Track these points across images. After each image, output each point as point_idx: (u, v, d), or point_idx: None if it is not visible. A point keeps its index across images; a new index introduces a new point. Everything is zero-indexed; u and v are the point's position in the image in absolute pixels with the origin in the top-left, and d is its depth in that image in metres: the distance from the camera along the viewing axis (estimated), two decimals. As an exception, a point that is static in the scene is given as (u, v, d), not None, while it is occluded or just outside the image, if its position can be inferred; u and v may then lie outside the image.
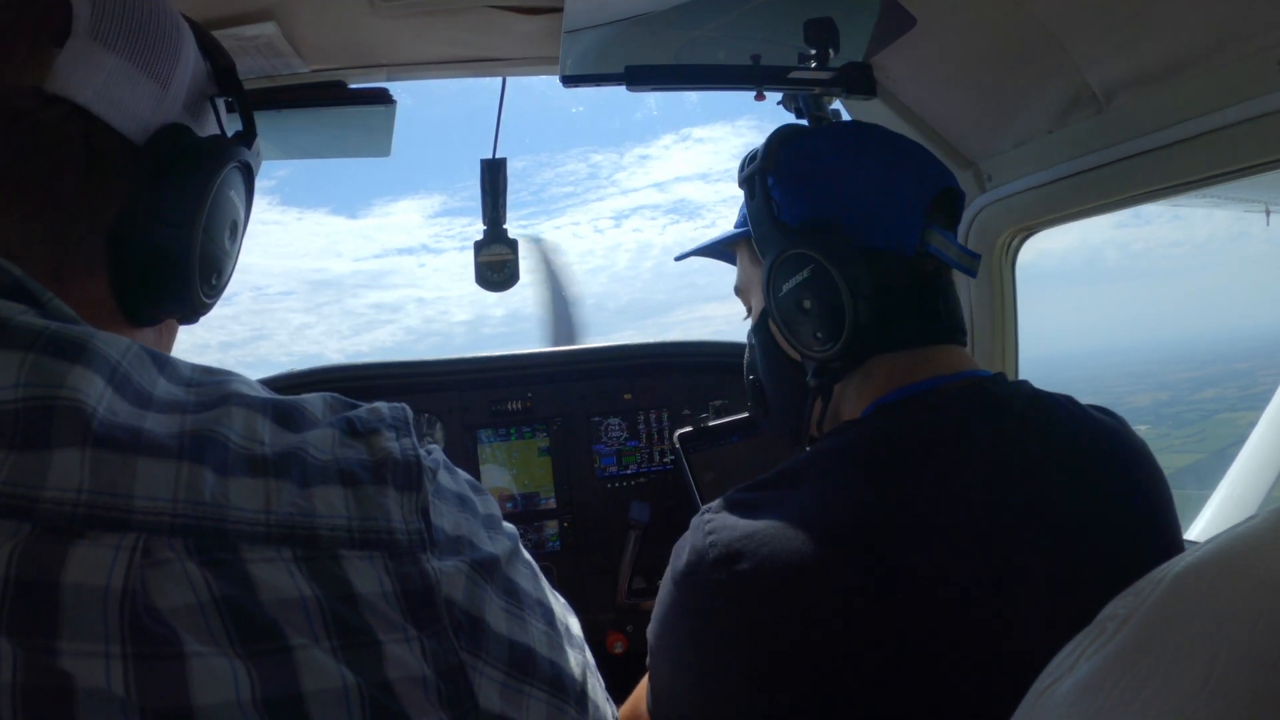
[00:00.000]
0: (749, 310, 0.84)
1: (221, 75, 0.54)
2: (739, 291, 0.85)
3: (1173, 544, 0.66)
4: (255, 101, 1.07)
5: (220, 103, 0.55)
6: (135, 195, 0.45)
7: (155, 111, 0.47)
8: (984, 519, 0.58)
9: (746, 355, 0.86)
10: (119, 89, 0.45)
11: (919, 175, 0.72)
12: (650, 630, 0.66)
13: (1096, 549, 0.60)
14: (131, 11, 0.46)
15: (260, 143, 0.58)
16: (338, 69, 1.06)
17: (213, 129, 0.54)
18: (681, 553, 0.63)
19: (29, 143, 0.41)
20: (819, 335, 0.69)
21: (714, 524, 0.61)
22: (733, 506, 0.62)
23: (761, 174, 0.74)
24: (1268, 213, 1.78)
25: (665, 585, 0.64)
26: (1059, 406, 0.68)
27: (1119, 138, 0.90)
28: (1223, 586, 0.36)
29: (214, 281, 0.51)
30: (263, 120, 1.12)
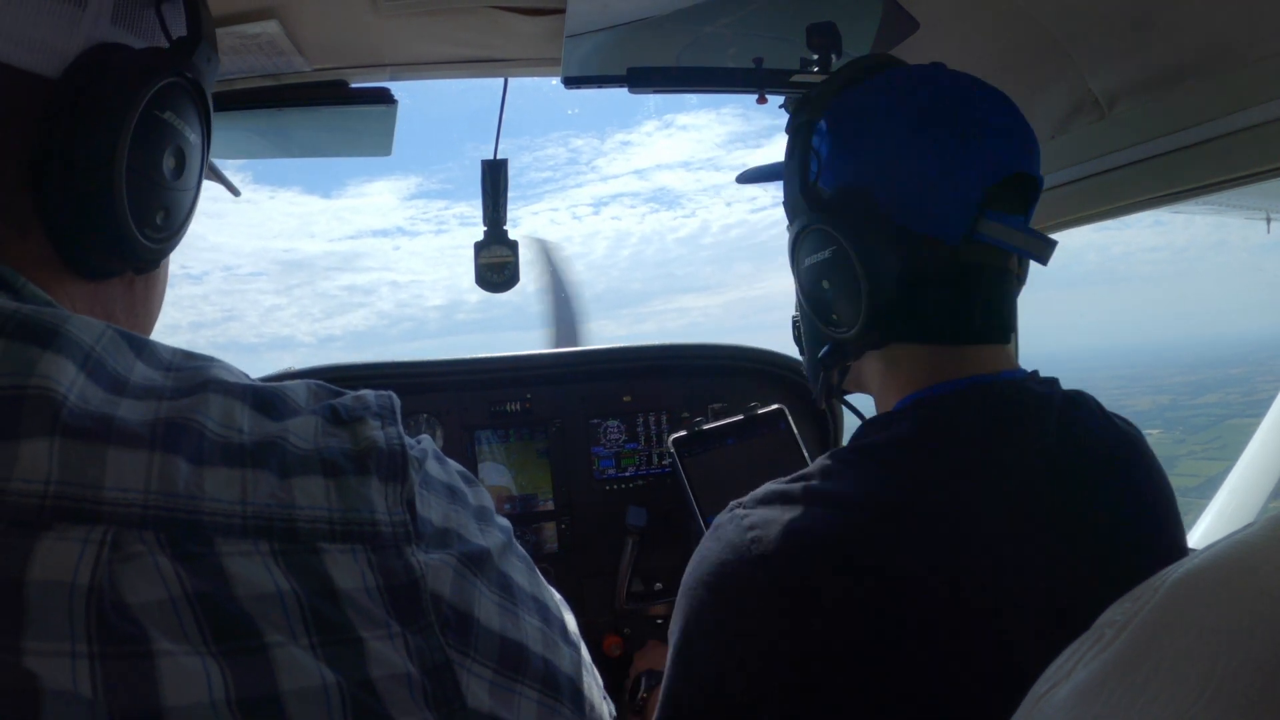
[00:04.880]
0: None
1: None
2: None
3: (1176, 555, 0.66)
4: (257, 100, 1.08)
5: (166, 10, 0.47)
6: (49, 136, 0.40)
7: (71, 36, 0.40)
8: (1001, 523, 0.57)
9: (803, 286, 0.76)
10: (15, 22, 0.39)
11: (985, 155, 0.62)
12: (675, 645, 0.61)
13: (1107, 561, 0.59)
14: None
15: (211, 51, 0.49)
16: (340, 68, 1.06)
17: (159, 39, 0.46)
18: (712, 553, 0.59)
19: None
20: (835, 318, 0.66)
21: (753, 518, 0.58)
22: (770, 501, 0.60)
23: (808, 125, 0.67)
24: (1268, 220, 1.78)
25: (694, 591, 0.60)
26: (1089, 413, 0.66)
27: (1121, 144, 0.90)
28: (1221, 594, 0.36)
29: (159, 221, 0.45)
30: (264, 119, 1.13)
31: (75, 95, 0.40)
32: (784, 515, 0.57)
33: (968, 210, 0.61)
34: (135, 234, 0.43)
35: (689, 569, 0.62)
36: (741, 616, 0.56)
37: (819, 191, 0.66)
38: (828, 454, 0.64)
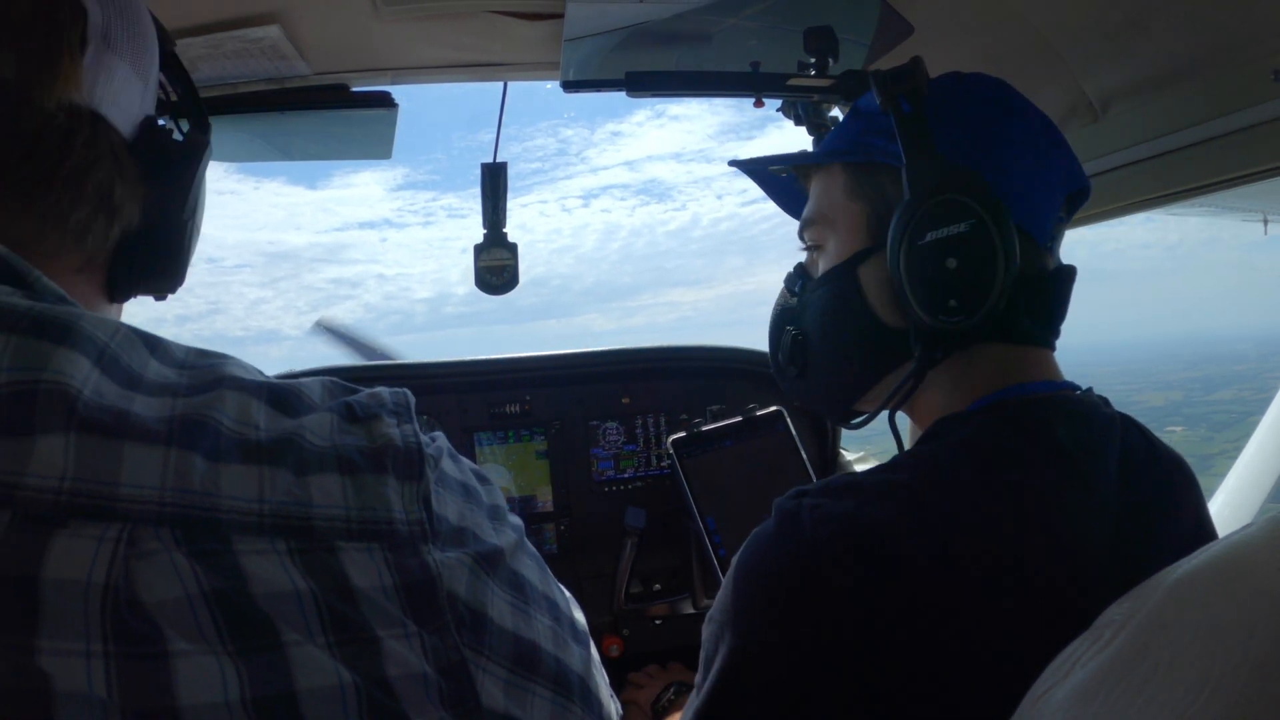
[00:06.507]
0: (816, 247, 0.70)
1: (167, 59, 0.54)
2: (811, 223, 0.69)
3: None
4: (259, 104, 1.08)
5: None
6: (140, 192, 0.47)
7: (140, 107, 0.48)
8: (1092, 529, 0.55)
9: (787, 302, 0.72)
10: (123, 93, 0.46)
11: (1066, 163, 0.64)
12: (726, 661, 0.53)
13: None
14: (129, 12, 0.47)
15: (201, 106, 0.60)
16: (340, 72, 1.07)
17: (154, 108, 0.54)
18: (771, 552, 0.54)
19: (59, 149, 0.42)
20: (953, 303, 0.59)
21: (823, 510, 0.52)
22: (839, 493, 0.54)
23: (918, 94, 0.61)
24: (1265, 221, 1.78)
25: (749, 605, 0.53)
26: (1142, 436, 0.64)
27: (1115, 146, 0.91)
28: (1219, 593, 0.37)
29: (188, 254, 0.54)
30: (266, 123, 1.13)
31: (156, 158, 0.48)
32: (862, 515, 0.53)
33: (1054, 213, 0.63)
34: (181, 276, 0.53)
35: (745, 571, 0.56)
36: (821, 634, 0.51)
37: (947, 161, 0.60)
38: (906, 454, 0.61)
